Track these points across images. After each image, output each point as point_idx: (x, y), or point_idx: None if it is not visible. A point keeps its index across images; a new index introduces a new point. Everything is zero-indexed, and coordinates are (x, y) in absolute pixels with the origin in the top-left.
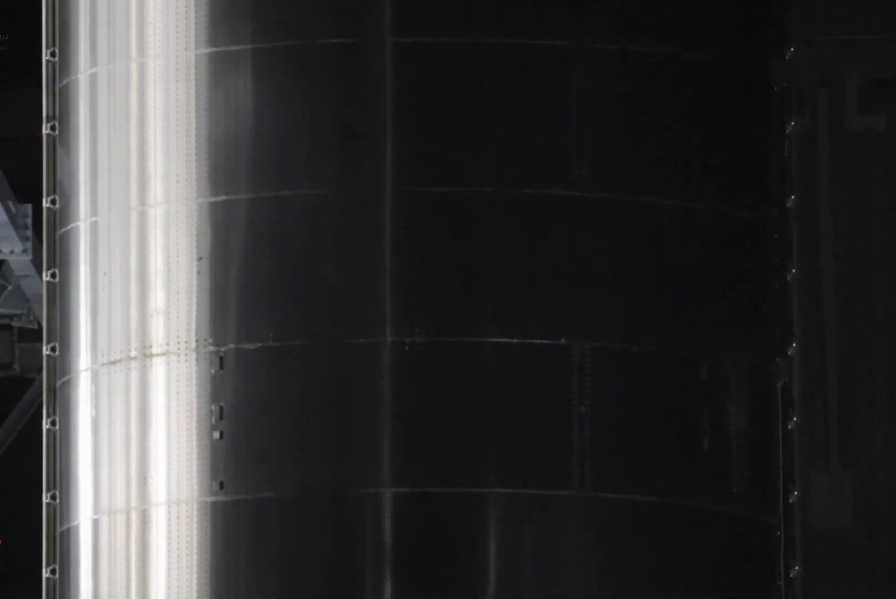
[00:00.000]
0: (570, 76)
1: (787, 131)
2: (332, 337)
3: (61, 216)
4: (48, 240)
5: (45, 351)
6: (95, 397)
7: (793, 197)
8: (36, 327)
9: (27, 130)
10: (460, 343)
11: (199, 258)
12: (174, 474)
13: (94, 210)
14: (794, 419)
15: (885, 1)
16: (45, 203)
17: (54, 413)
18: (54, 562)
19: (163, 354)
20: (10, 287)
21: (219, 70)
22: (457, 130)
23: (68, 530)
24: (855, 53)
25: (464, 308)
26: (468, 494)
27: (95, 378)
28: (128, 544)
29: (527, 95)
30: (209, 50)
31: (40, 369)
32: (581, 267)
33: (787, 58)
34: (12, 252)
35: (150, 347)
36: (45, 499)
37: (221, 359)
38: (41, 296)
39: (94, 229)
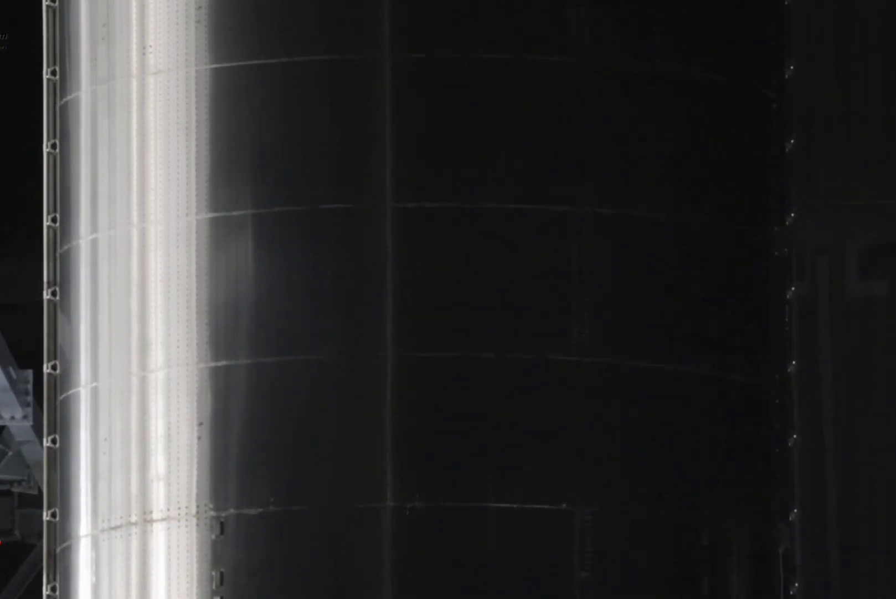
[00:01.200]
0: (571, 243)
1: (788, 297)
2: (333, 502)
3: (62, 382)
4: (49, 405)
5: (46, 517)
6: (95, 563)
7: (794, 363)
8: (36, 492)
9: (28, 296)
10: (460, 509)
11: (200, 424)
12: None
13: (94, 375)
14: (796, 585)
15: (884, 166)
16: (46, 369)
17: (54, 579)
18: None
19: (163, 519)
20: (10, 453)
21: (220, 235)
22: (457, 299)
23: None
24: (855, 219)
25: (464, 474)
26: None
27: (96, 544)
28: None
29: (527, 261)
30: (210, 215)
31: (40, 535)
32: (581, 432)
33: (787, 223)
34: (13, 418)
35: (151, 512)
36: None
37: (222, 524)
38: (41, 462)
39: (94, 394)
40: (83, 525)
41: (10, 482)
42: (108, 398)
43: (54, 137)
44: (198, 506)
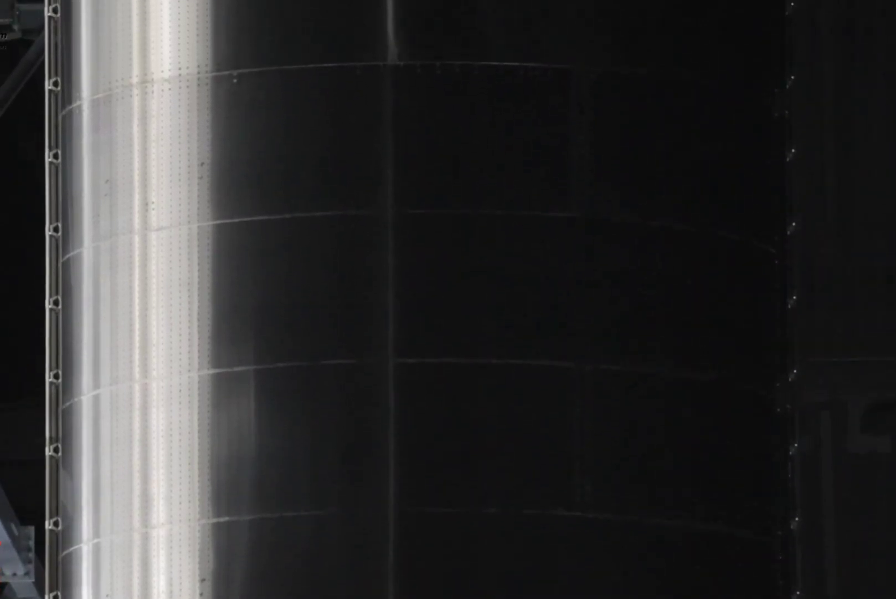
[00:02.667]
0: (572, 397)
1: (791, 453)
2: None
3: (64, 538)
4: (50, 562)
5: None
6: None
7: (797, 519)
8: None
9: (30, 454)
10: None
11: (202, 580)
12: None
13: (96, 532)
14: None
15: (885, 323)
16: (48, 525)
17: None
18: None
19: None
20: None
21: (222, 391)
22: (460, 458)
23: None
24: (857, 376)
25: None
26: None
27: None
28: None
29: (529, 414)
30: (212, 371)
31: None
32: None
33: (789, 380)
34: (14, 575)
35: None
36: None
37: None
38: None
39: (96, 550)
40: None
41: None
42: (110, 554)
43: (56, 293)
44: None
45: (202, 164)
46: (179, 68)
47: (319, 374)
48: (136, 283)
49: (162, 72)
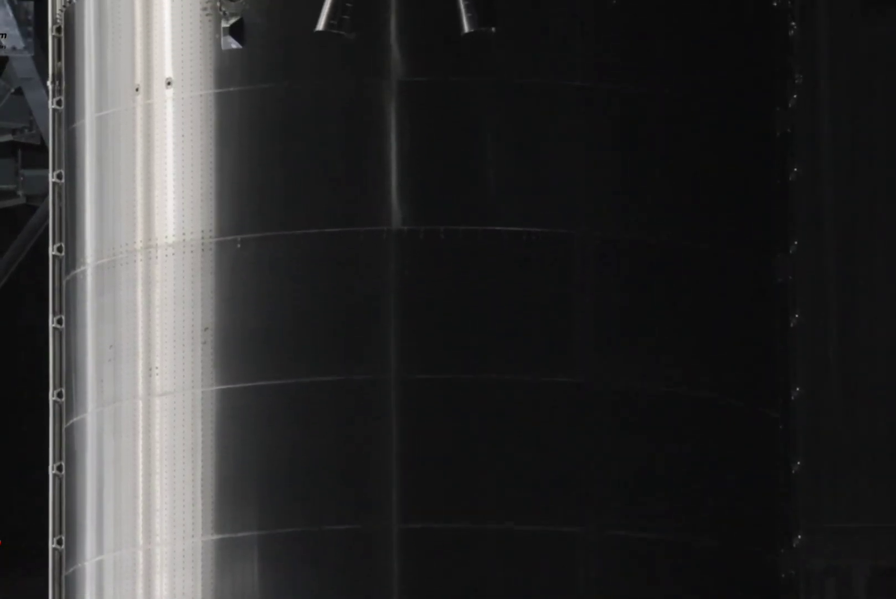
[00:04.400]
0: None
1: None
2: None
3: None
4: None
5: None
6: None
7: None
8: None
9: None
10: None
11: None
12: None
13: None
14: None
15: (889, 488)
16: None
17: None
18: None
19: None
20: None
21: (225, 556)
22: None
23: None
24: (860, 542)
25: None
26: None
27: None
28: None
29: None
30: (216, 537)
31: None
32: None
33: (794, 545)
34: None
35: None
36: None
37: None
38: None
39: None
40: None
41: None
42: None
43: (60, 458)
44: None
45: (206, 329)
46: (184, 233)
47: (323, 540)
48: (140, 448)
49: (166, 237)
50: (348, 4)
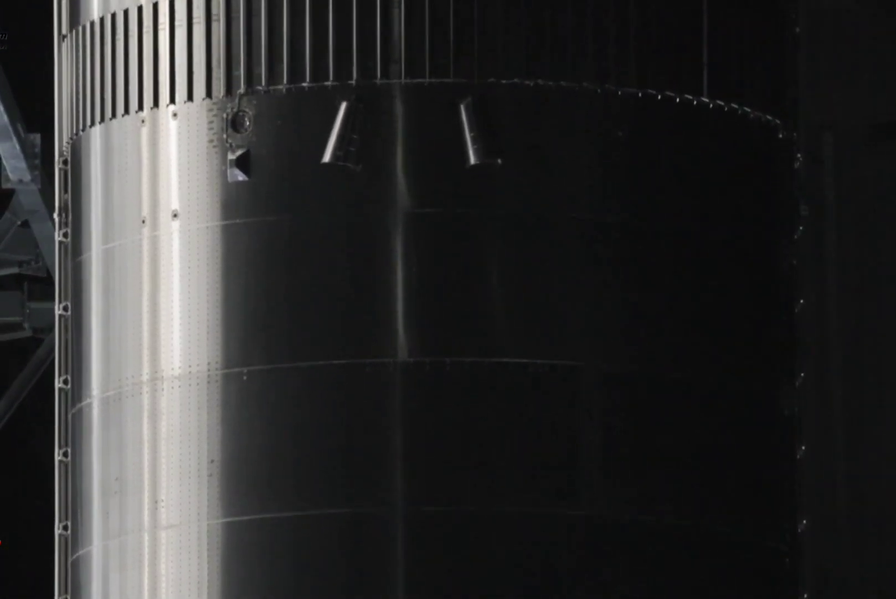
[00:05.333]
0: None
1: None
2: None
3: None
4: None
5: None
6: None
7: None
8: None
9: None
10: None
11: None
12: None
13: None
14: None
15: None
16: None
17: None
18: None
19: None
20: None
21: None
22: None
23: None
24: None
25: None
26: None
27: None
28: None
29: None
30: None
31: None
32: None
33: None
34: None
35: None
36: None
37: None
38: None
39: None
40: None
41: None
42: None
43: (66, 592)
44: None
45: (212, 461)
46: (189, 366)
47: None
48: (146, 582)
49: (172, 369)
50: (354, 136)
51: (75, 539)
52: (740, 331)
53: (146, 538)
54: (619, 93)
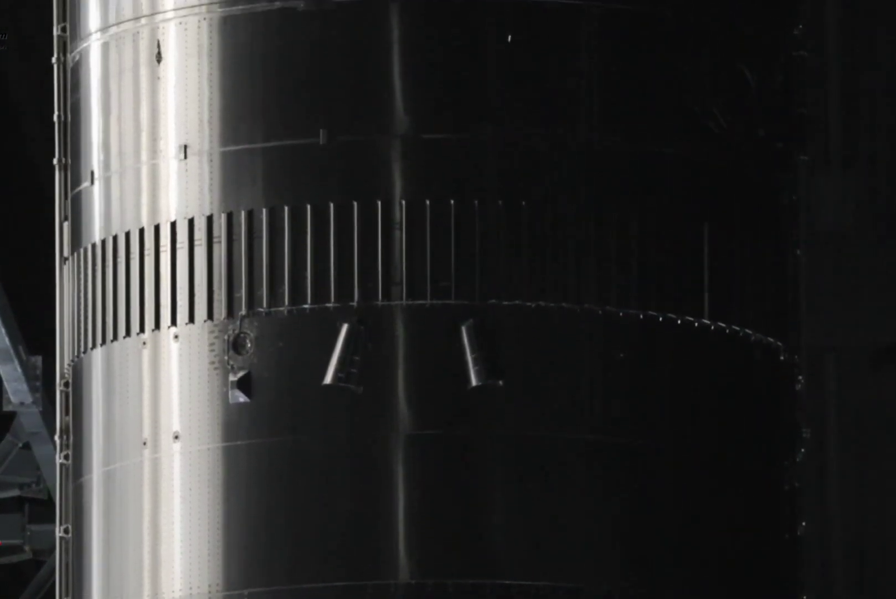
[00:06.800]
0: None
1: None
2: None
3: None
4: None
5: None
6: None
7: None
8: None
9: None
10: None
11: None
12: None
13: None
14: None
15: None
16: None
17: None
18: None
19: None
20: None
21: None
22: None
23: None
24: None
25: None
26: None
27: None
28: None
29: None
30: None
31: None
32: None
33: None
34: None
35: None
36: None
37: None
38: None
39: None
40: None
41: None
42: None
43: None
44: None
45: None
46: (190, 587)
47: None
48: None
49: (172, 592)
50: (356, 358)
51: None
52: (744, 558)
53: None
54: (621, 314)
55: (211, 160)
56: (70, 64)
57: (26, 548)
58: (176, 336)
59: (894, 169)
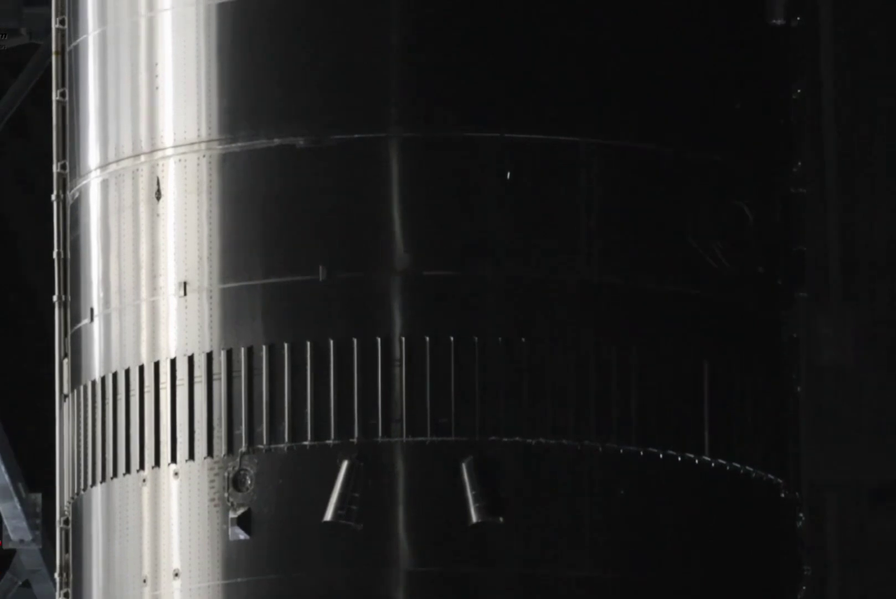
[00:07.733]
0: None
1: None
2: None
3: None
4: None
5: None
6: None
7: None
8: None
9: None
10: None
11: None
12: None
13: None
14: None
15: None
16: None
17: None
18: None
19: None
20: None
21: None
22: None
23: None
24: None
25: None
26: None
27: None
28: None
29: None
30: None
31: None
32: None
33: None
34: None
35: None
36: None
37: None
38: None
39: None
40: None
41: None
42: None
43: None
44: None
45: None
46: None
47: None
48: None
49: None
50: (356, 495)
51: None
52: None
53: None
54: (621, 451)
55: (210, 297)
56: (70, 201)
57: None
58: (176, 473)
59: (893, 306)
